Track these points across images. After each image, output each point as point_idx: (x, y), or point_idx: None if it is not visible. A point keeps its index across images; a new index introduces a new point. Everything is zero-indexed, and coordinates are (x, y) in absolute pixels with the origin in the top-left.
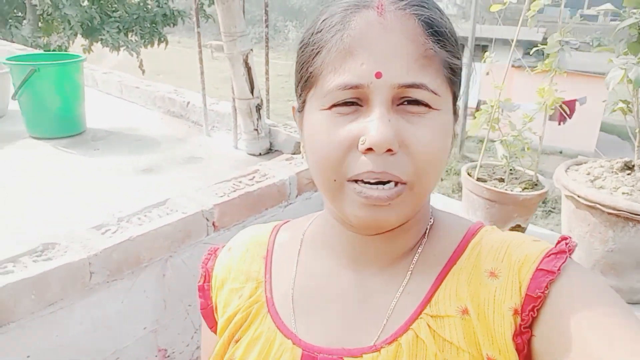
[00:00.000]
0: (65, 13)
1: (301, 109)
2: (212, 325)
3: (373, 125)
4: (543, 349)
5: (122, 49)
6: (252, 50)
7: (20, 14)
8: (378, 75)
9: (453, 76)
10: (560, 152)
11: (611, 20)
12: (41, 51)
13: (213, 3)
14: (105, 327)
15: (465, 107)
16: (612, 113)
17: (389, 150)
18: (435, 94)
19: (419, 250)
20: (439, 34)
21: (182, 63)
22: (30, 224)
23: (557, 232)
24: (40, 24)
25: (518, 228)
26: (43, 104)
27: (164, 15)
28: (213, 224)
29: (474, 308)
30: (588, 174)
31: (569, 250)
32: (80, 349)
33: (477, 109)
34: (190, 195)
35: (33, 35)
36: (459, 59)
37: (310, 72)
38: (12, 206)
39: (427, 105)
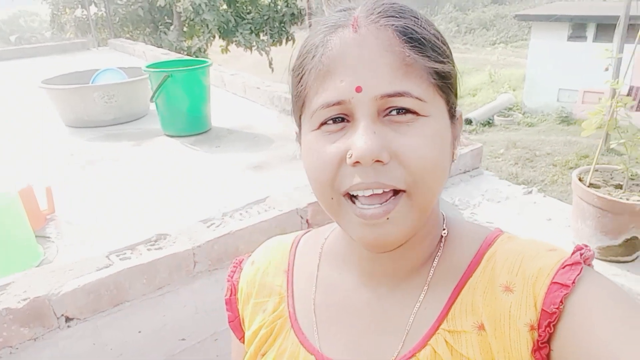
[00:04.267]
0: (204, 18)
1: (299, 133)
2: (241, 336)
3: (358, 138)
4: None
5: (253, 48)
6: None
7: (168, 20)
8: (358, 89)
9: (441, 81)
10: None
11: None
12: (184, 54)
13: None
14: (206, 311)
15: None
16: None
17: (378, 161)
18: (421, 100)
19: (434, 264)
20: (416, 40)
21: None
22: (151, 213)
23: None
24: (184, 29)
25: (635, 240)
26: (175, 105)
27: (292, 14)
28: (307, 221)
29: (489, 324)
30: None
31: (585, 260)
32: (184, 329)
33: (629, 95)
34: (288, 193)
35: (178, 40)
36: (445, 63)
37: (297, 95)
38: (139, 196)
39: (414, 112)
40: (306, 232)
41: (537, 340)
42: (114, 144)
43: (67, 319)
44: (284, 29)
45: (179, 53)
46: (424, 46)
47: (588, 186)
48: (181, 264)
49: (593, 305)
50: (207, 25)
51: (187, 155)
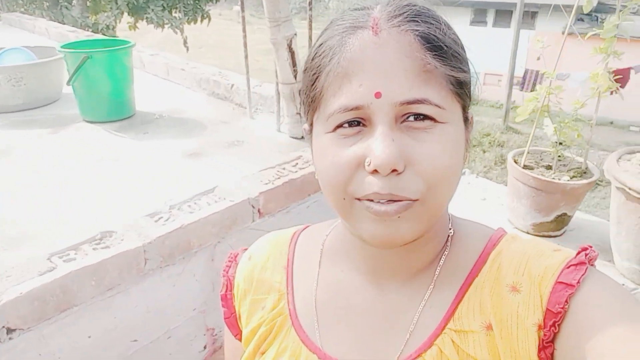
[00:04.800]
0: None
1: (310, 132)
2: (237, 333)
3: (376, 145)
4: None
5: (166, 26)
6: (295, 34)
7: None
8: (377, 95)
9: (459, 89)
10: (611, 123)
11: None
12: (89, 31)
13: None
14: (158, 309)
15: (512, 76)
16: None
17: (394, 170)
18: (440, 107)
19: (440, 263)
20: (437, 47)
21: (224, 35)
22: (87, 209)
23: (604, 218)
24: (88, 4)
25: (564, 216)
26: (95, 89)
27: None
28: (259, 211)
29: (497, 324)
30: None
31: (589, 261)
32: (136, 330)
33: (523, 78)
34: (237, 182)
35: (82, 16)
36: (464, 71)
37: (313, 97)
38: (71, 191)
39: (432, 119)
40: (305, 228)
41: (542, 340)
42: (26, 131)
43: (9, 331)
44: (199, 6)
45: (85, 30)
46: (445, 53)
47: (522, 167)
48: (131, 262)
49: (597, 305)
50: (116, 1)
51: (114, 143)
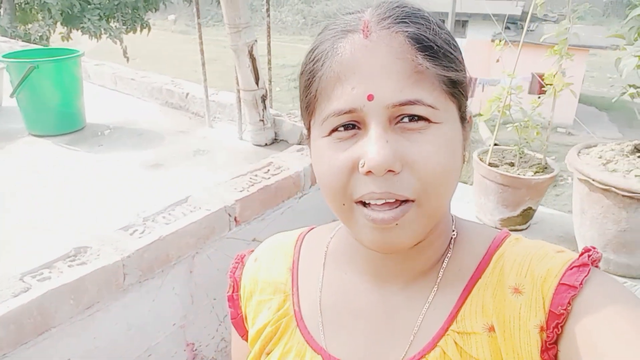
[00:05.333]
0: (45, 1)
1: (308, 136)
2: (243, 334)
3: (370, 147)
4: None
5: (104, 36)
6: (256, 40)
7: None
8: (370, 97)
9: (452, 88)
10: (540, 125)
11: None
12: (20, 41)
13: None
14: (138, 326)
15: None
16: (589, 84)
17: (390, 170)
18: (433, 107)
19: (443, 265)
20: (428, 48)
21: (158, 46)
22: (52, 226)
23: (564, 211)
24: (17, 13)
25: (529, 210)
26: (42, 101)
27: (146, 0)
28: (235, 219)
29: (499, 326)
30: (600, 157)
31: (592, 262)
32: (116, 349)
33: None
34: (210, 191)
35: (11, 25)
36: (458, 71)
37: (308, 101)
38: (33, 209)
39: (426, 119)
40: (310, 230)
41: (545, 341)
42: None
43: None
44: (138, 15)
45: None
46: (436, 53)
47: (488, 165)
48: (110, 278)
49: (599, 307)
50: (50, 10)
51: (68, 157)
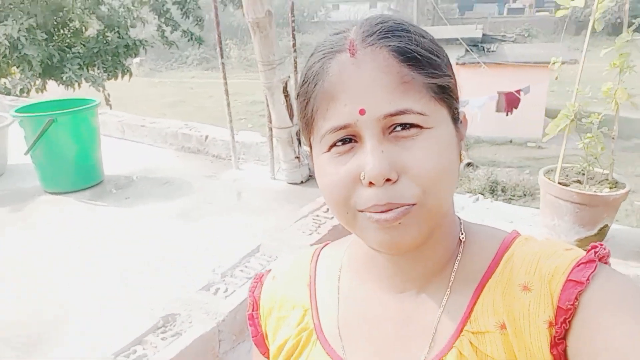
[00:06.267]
0: (24, 53)
1: (311, 153)
2: (264, 351)
3: (368, 159)
4: (576, 359)
5: (88, 84)
6: (289, 77)
7: None
8: (362, 112)
9: (441, 91)
10: (511, 141)
11: (537, 11)
12: (2, 95)
13: (176, 29)
14: None
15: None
16: (550, 99)
17: (389, 180)
18: (423, 114)
19: (454, 268)
20: (412, 58)
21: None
22: (123, 293)
23: (625, 224)
24: None
25: (605, 228)
26: (60, 156)
27: (126, 46)
28: None
29: (510, 323)
30: None
31: (600, 259)
32: None
33: None
34: (278, 237)
35: None
36: (443, 76)
37: (306, 121)
38: (92, 278)
39: (418, 126)
40: (325, 245)
41: (554, 337)
42: None
43: None
44: (119, 62)
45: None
46: (420, 63)
47: (558, 184)
48: (206, 347)
49: (607, 301)
50: (30, 62)
51: (98, 214)
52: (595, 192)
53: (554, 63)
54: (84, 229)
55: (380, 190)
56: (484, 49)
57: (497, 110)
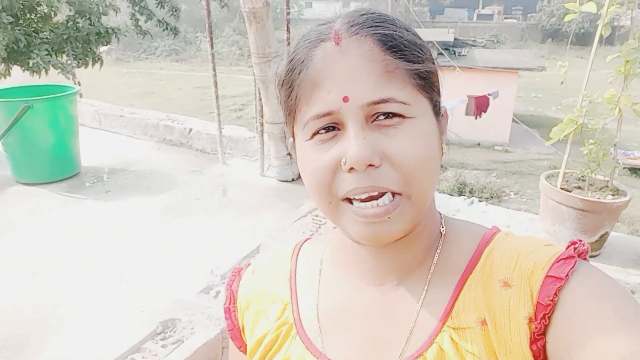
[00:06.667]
0: None
1: (293, 142)
2: (240, 345)
3: (350, 145)
4: (556, 354)
5: (57, 71)
6: None
7: None
8: (345, 99)
9: (423, 82)
10: (479, 144)
11: (505, 18)
12: None
13: (150, 19)
14: None
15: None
16: (517, 104)
17: (371, 165)
18: (405, 104)
19: (434, 261)
20: (396, 47)
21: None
22: (113, 292)
23: (623, 232)
24: None
25: (605, 235)
26: (35, 144)
27: (97, 33)
28: None
29: (490, 319)
30: None
31: (579, 255)
32: None
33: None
34: (277, 237)
35: None
36: (425, 63)
37: (290, 108)
38: (77, 277)
39: (400, 115)
40: (306, 240)
41: (534, 332)
42: None
43: None
44: (90, 49)
45: None
46: (404, 51)
47: (561, 189)
48: (209, 355)
49: (585, 297)
50: None
51: (75, 207)
52: (598, 198)
53: (561, 67)
54: (62, 222)
55: (362, 174)
56: (455, 53)
57: (467, 114)
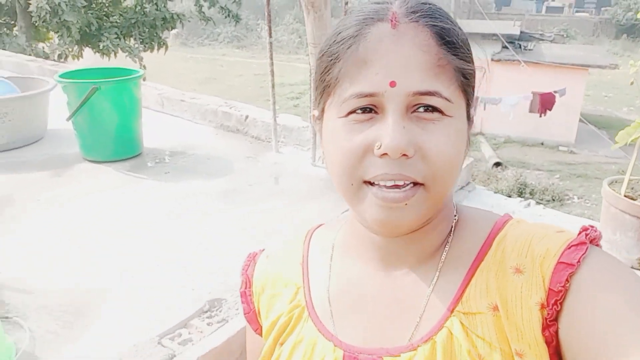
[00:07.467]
0: (64, 19)
1: (320, 117)
2: (256, 328)
3: (388, 131)
4: (568, 340)
5: (125, 54)
6: None
7: (11, 21)
8: (392, 84)
9: (466, 81)
10: (542, 144)
11: (576, 12)
12: (39, 59)
13: (213, 5)
14: None
15: None
16: (585, 103)
17: (404, 155)
18: (449, 100)
19: (446, 249)
20: (451, 43)
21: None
22: (152, 269)
23: None
24: (32, 32)
25: None
26: (102, 125)
27: (163, 19)
28: None
29: (502, 305)
30: None
31: (591, 241)
32: None
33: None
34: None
35: (29, 44)
36: (471, 64)
37: (328, 82)
38: (137, 252)
39: (440, 111)
40: (318, 226)
41: (546, 318)
42: (22, 175)
43: None
44: (155, 34)
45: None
46: (458, 49)
47: (624, 197)
48: None
49: (597, 283)
50: (69, 29)
51: (138, 185)
52: None
53: (632, 66)
54: (123, 198)
55: (393, 162)
56: (520, 47)
57: (531, 111)
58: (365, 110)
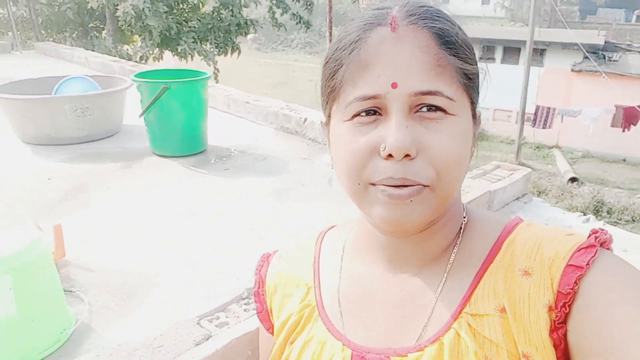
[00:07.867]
0: (147, 24)
1: (327, 122)
2: (269, 327)
3: (391, 132)
4: (576, 343)
5: (200, 58)
6: None
7: (100, 25)
8: (394, 85)
9: (468, 81)
10: (624, 160)
11: None
12: (121, 59)
13: (286, 12)
14: None
15: (523, 112)
16: None
17: (407, 155)
18: (451, 99)
19: (454, 250)
20: (450, 43)
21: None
22: (197, 255)
23: None
24: (118, 35)
25: None
26: (170, 122)
27: (238, 24)
28: None
29: (510, 307)
30: None
31: (601, 244)
32: None
33: (535, 114)
34: None
35: (115, 46)
36: (473, 64)
37: (332, 87)
38: (168, 233)
39: (443, 110)
40: (330, 228)
41: (554, 321)
42: (96, 166)
43: None
44: (230, 39)
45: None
46: (457, 49)
47: None
48: None
49: (606, 286)
50: (151, 32)
51: (199, 179)
52: None
53: None
54: (185, 193)
55: (398, 164)
56: (604, 57)
57: (613, 125)
58: (370, 112)
